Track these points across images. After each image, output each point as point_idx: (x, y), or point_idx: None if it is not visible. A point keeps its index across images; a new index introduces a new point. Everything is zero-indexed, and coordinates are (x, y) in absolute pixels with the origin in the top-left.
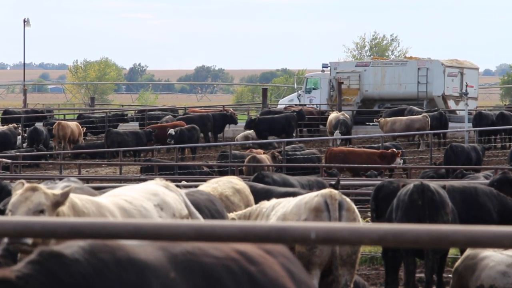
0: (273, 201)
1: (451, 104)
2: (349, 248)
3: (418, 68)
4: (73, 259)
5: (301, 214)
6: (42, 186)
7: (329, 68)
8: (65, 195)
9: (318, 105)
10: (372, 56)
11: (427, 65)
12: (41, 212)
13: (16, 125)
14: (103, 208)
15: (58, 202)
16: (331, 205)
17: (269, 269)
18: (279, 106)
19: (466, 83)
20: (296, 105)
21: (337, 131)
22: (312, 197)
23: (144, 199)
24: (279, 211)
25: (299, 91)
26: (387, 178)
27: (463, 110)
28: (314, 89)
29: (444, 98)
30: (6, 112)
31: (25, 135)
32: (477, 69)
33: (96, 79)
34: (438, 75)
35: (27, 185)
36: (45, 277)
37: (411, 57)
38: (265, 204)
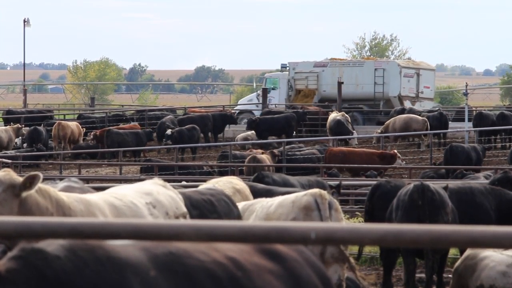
0: (242, 203)
1: (407, 105)
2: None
3: (375, 69)
4: (54, 256)
5: (289, 214)
6: (13, 172)
7: (288, 68)
8: (24, 182)
9: (276, 105)
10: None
11: (383, 66)
12: None
13: (20, 126)
14: (92, 206)
15: (14, 184)
16: (321, 204)
17: (257, 276)
18: (237, 107)
19: (466, 83)
20: (256, 104)
21: (355, 132)
22: (299, 196)
23: (135, 196)
24: (256, 211)
25: (258, 91)
26: (386, 178)
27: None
28: (273, 89)
29: (400, 98)
30: (9, 112)
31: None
32: (433, 70)
33: (96, 79)
34: (394, 75)
35: (3, 170)
36: (30, 272)
37: (368, 58)
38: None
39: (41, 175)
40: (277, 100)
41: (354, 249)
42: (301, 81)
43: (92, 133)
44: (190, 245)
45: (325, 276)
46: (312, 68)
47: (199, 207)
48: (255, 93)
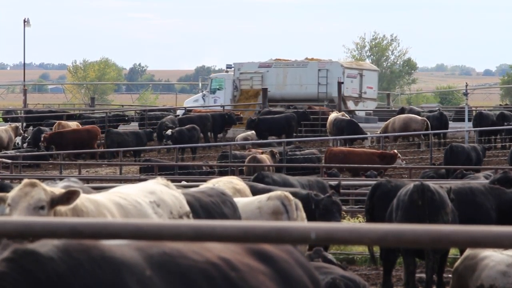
0: None
1: (350, 105)
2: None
3: (319, 70)
4: (47, 257)
5: (257, 219)
6: (40, 182)
7: (233, 69)
8: (62, 197)
9: (222, 106)
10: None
11: (327, 67)
12: (41, 208)
13: (17, 125)
14: (101, 206)
15: (53, 200)
16: (289, 206)
17: (250, 277)
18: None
19: (466, 83)
20: (202, 106)
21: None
22: (263, 201)
23: (140, 195)
24: None
25: (204, 91)
26: (386, 178)
27: (363, 110)
28: (218, 89)
29: (343, 99)
30: (27, 112)
31: (26, 135)
32: (376, 71)
33: (96, 79)
34: (337, 76)
35: (26, 180)
36: (20, 275)
37: (312, 59)
38: None
39: (81, 192)
40: (223, 100)
41: (355, 249)
42: (246, 81)
43: (42, 135)
44: (182, 245)
45: (314, 276)
46: (257, 69)
47: (208, 209)
48: (200, 94)
